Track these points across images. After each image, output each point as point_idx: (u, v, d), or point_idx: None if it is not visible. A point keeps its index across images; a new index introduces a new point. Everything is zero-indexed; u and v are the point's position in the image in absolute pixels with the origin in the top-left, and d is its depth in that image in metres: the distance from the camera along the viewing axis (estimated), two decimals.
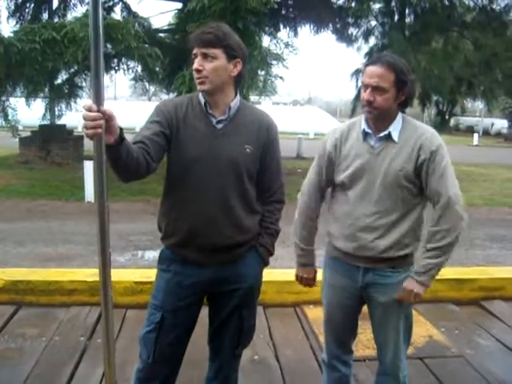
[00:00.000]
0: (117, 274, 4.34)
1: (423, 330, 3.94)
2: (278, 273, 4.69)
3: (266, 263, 2.32)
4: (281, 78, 9.80)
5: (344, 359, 2.53)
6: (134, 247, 6.19)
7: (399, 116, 2.23)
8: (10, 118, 10.87)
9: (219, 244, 2.15)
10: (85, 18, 8.34)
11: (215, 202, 2.11)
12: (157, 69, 10.15)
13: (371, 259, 2.27)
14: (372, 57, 2.22)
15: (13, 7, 12.07)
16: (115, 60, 11.58)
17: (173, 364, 2.28)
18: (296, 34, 14.57)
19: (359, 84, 13.89)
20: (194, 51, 2.05)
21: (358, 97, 13.86)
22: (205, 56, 2.03)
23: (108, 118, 1.66)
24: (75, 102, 14.40)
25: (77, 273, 4.53)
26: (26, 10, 12.40)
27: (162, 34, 12.39)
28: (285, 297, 4.45)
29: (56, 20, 11.23)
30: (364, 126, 2.26)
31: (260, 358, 3.50)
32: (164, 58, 9.29)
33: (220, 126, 2.14)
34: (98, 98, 1.65)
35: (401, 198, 2.21)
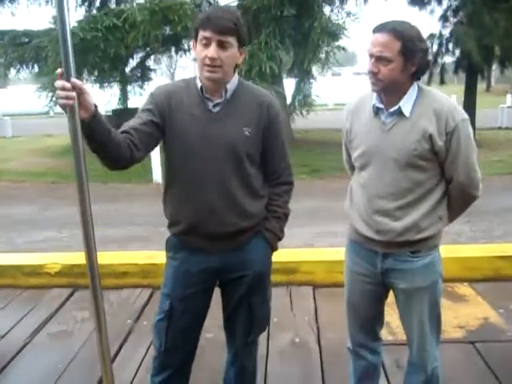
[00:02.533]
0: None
1: (479, 311, 3.69)
2: (329, 251, 4.58)
3: (273, 248, 2.23)
4: (343, 48, 9.49)
5: (370, 347, 2.39)
6: None
7: (413, 88, 2.02)
8: None
9: (222, 231, 2.08)
10: (143, 3, 8.47)
11: (215, 189, 2.04)
12: None
13: (389, 244, 2.11)
14: (379, 24, 2.02)
15: None
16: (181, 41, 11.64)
17: (186, 351, 2.25)
18: (366, 0, 14.08)
19: (434, 50, 13.27)
20: (207, 35, 1.92)
21: (433, 63, 13.20)
22: (221, 44, 1.93)
23: (78, 91, 1.66)
24: (148, 85, 14.81)
25: (129, 256, 4.65)
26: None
27: None
28: (336, 277, 4.32)
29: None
30: (375, 100, 2.07)
31: (301, 340, 3.43)
32: None
33: (217, 109, 2.05)
34: (67, 70, 1.66)
35: (417, 179, 2.03)
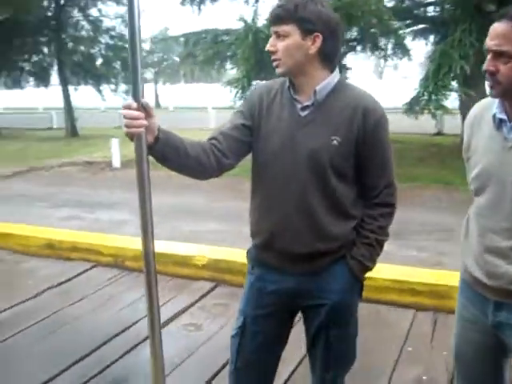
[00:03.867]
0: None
1: None
2: None
3: (358, 279, 1.95)
4: None
5: None
6: None
7: None
8: None
9: (298, 251, 1.89)
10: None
11: (294, 203, 1.85)
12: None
13: (502, 291, 1.72)
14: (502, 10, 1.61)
15: None
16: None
17: (258, 375, 2.09)
18: None
19: None
20: (271, 28, 1.82)
21: None
22: (277, 34, 1.78)
23: (147, 114, 1.63)
24: None
25: None
26: None
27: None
28: None
29: None
30: (496, 108, 1.67)
31: (429, 379, 3.05)
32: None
33: (305, 113, 1.85)
34: (136, 92, 1.61)
35: None
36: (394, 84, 28.12)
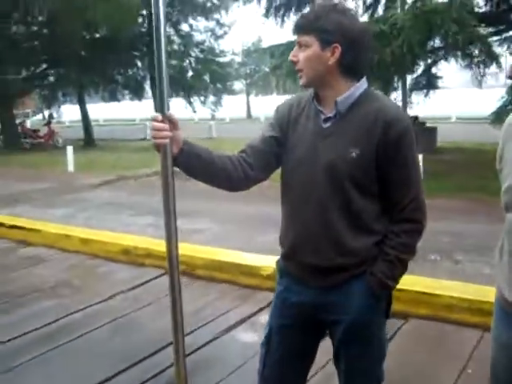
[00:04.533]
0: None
1: None
2: None
3: (377, 297, 1.86)
4: None
5: None
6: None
7: None
8: None
9: (318, 264, 1.86)
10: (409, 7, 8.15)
11: (314, 215, 1.83)
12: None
13: None
14: None
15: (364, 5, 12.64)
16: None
17: None
18: None
19: None
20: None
21: None
22: (299, 45, 1.79)
23: (173, 127, 1.71)
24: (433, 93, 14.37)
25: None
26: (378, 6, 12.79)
27: None
28: None
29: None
30: None
31: None
32: None
33: (327, 124, 1.83)
34: (162, 105, 1.69)
35: None
36: (494, 93, 26.87)
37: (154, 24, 1.62)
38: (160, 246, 5.52)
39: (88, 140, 20.61)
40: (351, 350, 1.91)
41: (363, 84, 1.83)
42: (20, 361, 3.46)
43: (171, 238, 1.81)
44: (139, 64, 20.64)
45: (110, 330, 3.88)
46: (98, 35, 17.95)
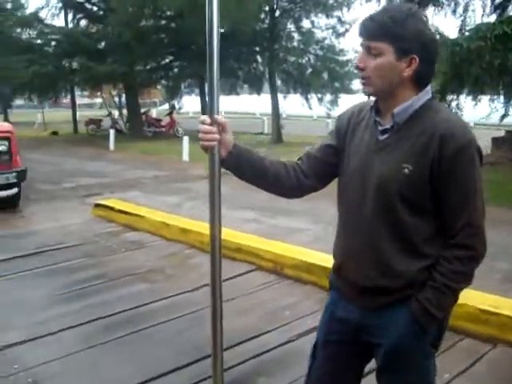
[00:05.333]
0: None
1: None
2: None
3: (421, 326, 1.70)
4: None
5: None
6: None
7: None
8: None
9: (362, 284, 1.76)
10: None
11: (361, 232, 1.74)
12: None
13: None
14: None
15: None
16: None
17: None
18: None
19: None
20: (360, 41, 1.68)
21: None
22: (368, 50, 1.64)
23: (222, 130, 1.71)
24: None
25: None
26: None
27: None
28: None
29: None
30: None
31: None
32: None
33: (383, 137, 1.71)
34: (211, 107, 1.70)
35: None
36: None
37: (206, 26, 1.63)
38: (250, 241, 5.64)
39: None
40: (390, 376, 1.81)
41: (425, 94, 1.69)
42: (102, 340, 3.68)
43: (216, 254, 1.80)
44: (259, 59, 20.95)
45: (188, 322, 3.98)
46: (221, 30, 18.46)
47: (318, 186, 1.90)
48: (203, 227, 6.23)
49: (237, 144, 1.80)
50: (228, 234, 5.91)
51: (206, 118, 1.71)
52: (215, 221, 1.78)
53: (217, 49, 1.64)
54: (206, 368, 3.22)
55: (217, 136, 1.70)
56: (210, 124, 1.70)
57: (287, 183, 1.85)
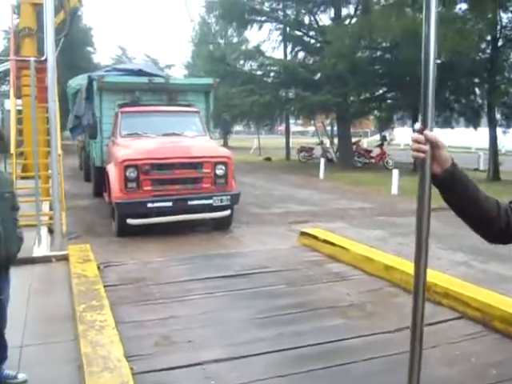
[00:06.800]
0: None
1: None
2: None
3: None
4: None
5: None
6: None
7: None
8: None
9: None
10: None
11: None
12: None
13: None
14: None
15: None
16: None
17: None
18: None
19: None
20: None
21: None
22: None
23: (432, 145, 1.58)
24: None
25: None
26: None
27: None
28: None
29: None
30: None
31: None
32: None
33: None
34: (424, 119, 1.59)
35: None
36: None
37: (422, 56, 1.53)
38: (458, 286, 5.12)
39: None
40: None
41: None
42: (293, 371, 3.61)
43: (419, 295, 1.62)
44: (477, 91, 19.54)
45: (384, 364, 3.71)
46: (438, 61, 17.65)
47: None
48: (408, 266, 5.86)
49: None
50: (434, 276, 5.48)
51: (420, 125, 1.60)
52: (421, 260, 1.61)
53: (432, 79, 1.55)
54: None
55: (426, 147, 1.57)
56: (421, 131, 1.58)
57: (496, 224, 1.65)
